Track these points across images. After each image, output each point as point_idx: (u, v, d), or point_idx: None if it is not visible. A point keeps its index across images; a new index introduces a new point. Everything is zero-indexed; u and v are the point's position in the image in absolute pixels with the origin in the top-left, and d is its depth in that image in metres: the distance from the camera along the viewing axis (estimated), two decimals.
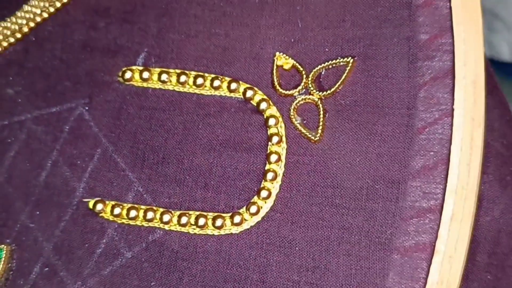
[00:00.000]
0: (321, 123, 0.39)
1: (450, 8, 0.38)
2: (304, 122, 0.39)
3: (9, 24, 0.43)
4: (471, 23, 0.37)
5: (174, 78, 0.40)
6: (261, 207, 0.39)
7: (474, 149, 0.36)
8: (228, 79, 0.40)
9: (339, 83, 0.39)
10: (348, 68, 0.39)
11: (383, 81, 0.38)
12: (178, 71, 0.40)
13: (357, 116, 0.38)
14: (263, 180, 0.39)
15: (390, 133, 0.38)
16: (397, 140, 0.37)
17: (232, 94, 0.40)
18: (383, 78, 0.38)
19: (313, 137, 0.39)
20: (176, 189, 0.40)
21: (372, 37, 0.39)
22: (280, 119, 0.39)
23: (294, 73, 0.39)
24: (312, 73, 0.39)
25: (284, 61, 0.40)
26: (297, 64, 0.39)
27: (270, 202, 0.39)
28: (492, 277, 0.40)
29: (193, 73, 0.40)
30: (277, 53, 0.40)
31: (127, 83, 0.41)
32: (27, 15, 0.42)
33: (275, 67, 0.40)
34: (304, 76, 0.39)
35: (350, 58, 0.39)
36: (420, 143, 0.37)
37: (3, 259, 0.40)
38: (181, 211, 0.39)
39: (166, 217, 0.39)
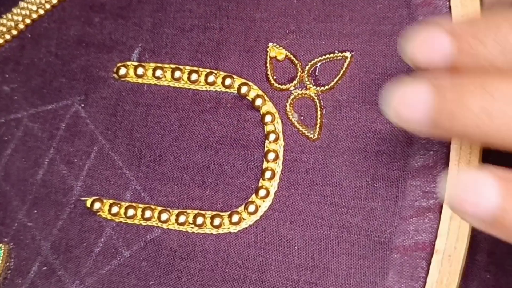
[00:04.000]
0: (318, 121, 0.38)
1: (450, 7, 0.37)
2: (301, 118, 0.39)
3: (5, 21, 0.42)
4: None
5: (168, 74, 0.40)
6: (259, 206, 0.38)
7: (473, 147, 0.35)
8: (222, 74, 0.40)
9: (337, 78, 0.38)
10: (346, 62, 0.38)
11: (382, 79, 0.38)
12: (172, 66, 0.40)
13: (355, 114, 0.38)
14: (261, 179, 0.39)
15: (389, 131, 0.37)
16: (396, 139, 0.37)
17: (227, 90, 0.39)
18: (381, 76, 0.38)
19: (311, 135, 0.38)
20: (173, 187, 0.40)
21: (371, 34, 0.38)
22: (277, 115, 0.39)
23: (289, 66, 0.39)
24: (308, 66, 0.39)
25: (277, 51, 0.39)
26: (290, 55, 0.39)
27: (269, 201, 0.38)
28: (491, 276, 0.40)
29: (188, 68, 0.40)
30: (270, 44, 0.39)
31: (122, 79, 0.41)
32: (23, 12, 0.42)
33: (268, 58, 0.39)
34: (300, 69, 0.39)
35: (348, 52, 0.38)
36: (419, 142, 0.36)
37: (1, 258, 0.41)
38: (179, 210, 0.39)
39: (164, 216, 0.39)
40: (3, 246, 0.41)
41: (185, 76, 0.40)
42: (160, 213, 0.39)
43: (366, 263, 0.37)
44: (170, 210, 0.39)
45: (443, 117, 0.30)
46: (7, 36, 0.42)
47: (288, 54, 0.39)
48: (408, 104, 0.30)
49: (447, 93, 0.30)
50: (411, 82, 0.31)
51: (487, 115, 0.29)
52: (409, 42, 0.31)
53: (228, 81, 0.39)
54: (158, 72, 0.40)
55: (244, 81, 0.39)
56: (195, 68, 0.40)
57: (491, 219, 0.29)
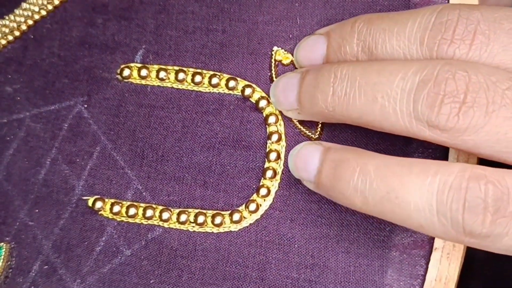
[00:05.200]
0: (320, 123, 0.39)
1: None
2: None
3: (7, 22, 0.42)
4: None
5: (172, 76, 0.40)
6: (260, 205, 0.39)
7: None
8: (226, 76, 0.40)
9: None
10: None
11: None
12: (176, 68, 0.40)
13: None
14: (262, 178, 0.39)
15: None
16: (395, 137, 0.37)
17: (230, 92, 0.40)
18: None
19: (312, 135, 0.39)
20: (175, 187, 0.40)
21: None
22: (280, 117, 0.39)
23: (292, 69, 0.39)
24: None
25: (283, 55, 0.40)
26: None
27: (269, 200, 0.39)
28: (490, 274, 0.41)
29: (191, 70, 0.40)
30: (275, 48, 0.40)
31: (126, 80, 0.41)
32: (26, 13, 0.42)
33: (273, 62, 0.40)
34: None
35: None
36: (418, 140, 0.37)
37: (2, 257, 0.40)
38: (180, 209, 0.40)
39: (165, 215, 0.39)
40: (4, 245, 0.41)
41: (189, 78, 0.40)
42: (161, 212, 0.39)
43: (365, 261, 0.38)
44: (171, 209, 0.40)
45: (303, 98, 0.36)
46: (10, 37, 0.42)
47: (294, 59, 0.39)
48: (284, 90, 0.38)
49: (307, 77, 0.36)
50: (288, 73, 0.38)
51: (333, 92, 0.34)
52: (297, 49, 0.39)
53: (232, 83, 0.40)
54: (162, 74, 0.40)
55: (248, 83, 0.40)
56: (199, 70, 0.40)
57: (314, 180, 0.35)
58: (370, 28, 0.34)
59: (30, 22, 0.42)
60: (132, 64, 0.41)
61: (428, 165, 0.32)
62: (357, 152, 0.34)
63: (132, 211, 0.40)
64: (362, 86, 0.33)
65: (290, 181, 0.39)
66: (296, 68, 0.39)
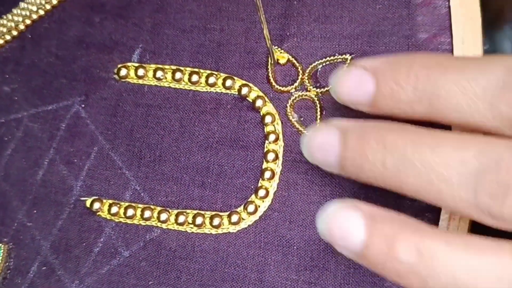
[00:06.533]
0: (318, 121, 0.38)
1: (449, 7, 0.37)
2: (301, 119, 0.39)
3: (5, 22, 0.42)
4: (469, 22, 0.36)
5: (169, 75, 0.40)
6: (259, 206, 0.39)
7: None
8: (223, 75, 0.40)
9: None
10: (346, 65, 0.38)
11: None
12: (173, 67, 0.40)
13: (354, 114, 0.38)
14: (261, 179, 0.39)
15: None
16: None
17: (227, 91, 0.40)
18: None
19: None
20: (173, 187, 0.40)
21: (371, 35, 0.38)
22: (277, 116, 0.39)
23: (289, 68, 0.39)
24: (309, 69, 0.39)
25: (279, 54, 0.39)
26: (292, 59, 0.39)
27: (268, 201, 0.39)
28: None
29: (188, 69, 0.40)
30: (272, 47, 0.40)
31: (123, 80, 0.41)
32: (24, 12, 0.42)
33: (270, 61, 0.39)
34: (301, 71, 0.39)
35: (348, 55, 0.38)
36: None
37: (0, 257, 0.40)
38: (178, 210, 0.39)
39: (163, 216, 0.39)
40: (2, 246, 0.41)
41: (186, 77, 0.40)
42: (159, 213, 0.39)
43: None
44: (170, 210, 0.39)
45: (348, 165, 0.33)
46: (7, 37, 0.42)
47: (290, 58, 0.39)
48: (322, 149, 0.34)
49: (350, 142, 0.33)
50: (321, 126, 0.34)
51: (383, 166, 0.31)
52: (336, 80, 0.34)
53: (228, 83, 0.39)
54: (159, 73, 0.40)
55: (244, 82, 0.39)
56: (196, 70, 0.40)
57: (358, 252, 0.31)
58: (432, 77, 0.31)
59: (28, 21, 0.42)
60: (129, 64, 0.41)
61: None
62: (411, 225, 0.31)
63: (130, 212, 0.40)
64: (415, 165, 0.31)
65: (288, 182, 0.39)
66: (294, 68, 0.39)
